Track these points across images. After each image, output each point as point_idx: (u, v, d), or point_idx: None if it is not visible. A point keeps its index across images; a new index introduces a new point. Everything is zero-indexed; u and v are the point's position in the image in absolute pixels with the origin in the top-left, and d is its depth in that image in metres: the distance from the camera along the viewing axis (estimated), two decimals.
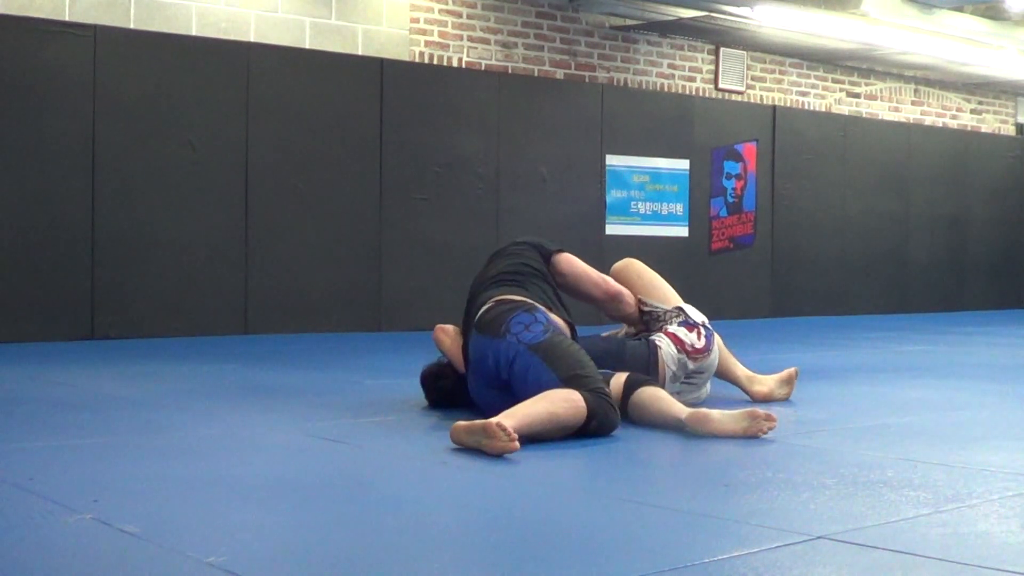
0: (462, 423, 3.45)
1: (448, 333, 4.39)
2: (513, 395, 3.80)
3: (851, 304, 12.01)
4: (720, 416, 3.77)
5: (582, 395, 3.66)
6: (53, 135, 7.58)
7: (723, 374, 4.76)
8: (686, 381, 4.49)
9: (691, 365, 4.47)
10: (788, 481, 3.08)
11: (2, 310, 7.41)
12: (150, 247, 7.92)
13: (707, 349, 4.51)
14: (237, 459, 3.40)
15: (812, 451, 3.63)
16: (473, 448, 3.38)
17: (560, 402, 3.62)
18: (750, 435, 3.71)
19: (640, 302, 4.61)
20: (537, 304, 4.07)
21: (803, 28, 10.26)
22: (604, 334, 4.72)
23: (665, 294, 4.65)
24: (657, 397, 3.97)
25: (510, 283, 4.20)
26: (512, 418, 3.46)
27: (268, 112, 8.39)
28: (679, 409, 3.88)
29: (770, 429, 3.74)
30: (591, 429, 3.66)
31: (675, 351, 4.42)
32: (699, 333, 4.51)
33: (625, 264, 4.74)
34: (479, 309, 4.09)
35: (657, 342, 4.43)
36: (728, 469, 3.34)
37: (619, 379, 4.05)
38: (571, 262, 4.49)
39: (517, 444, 3.31)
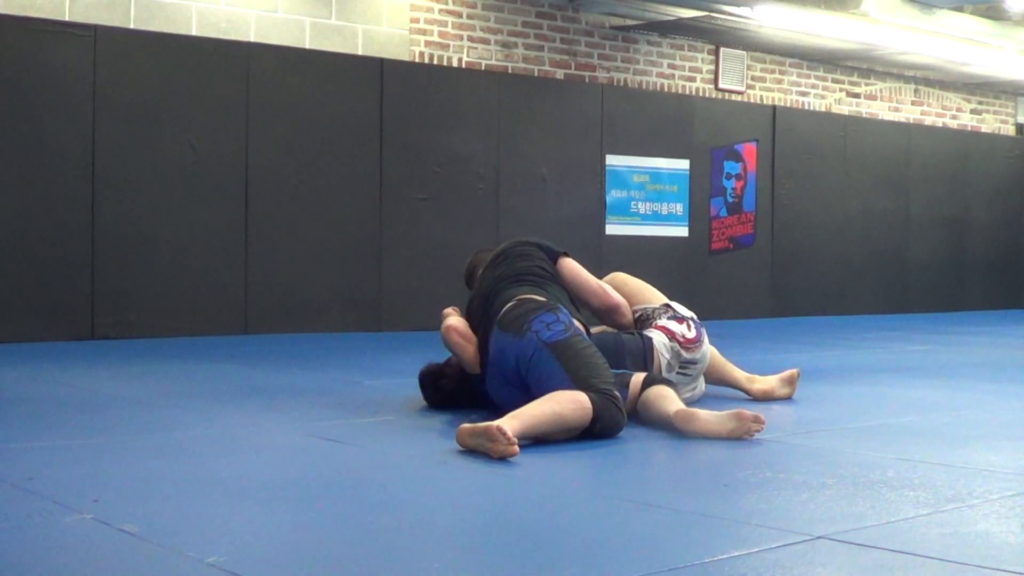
0: (467, 425, 3.45)
1: (464, 336, 4.26)
2: (530, 393, 3.80)
3: (851, 304, 12.01)
4: (707, 416, 3.77)
5: (589, 397, 3.66)
6: (53, 135, 7.58)
7: (723, 379, 4.85)
8: (681, 371, 4.56)
9: (684, 354, 4.55)
10: (788, 481, 3.08)
11: (2, 310, 7.41)
12: (150, 247, 7.92)
13: (698, 339, 4.60)
14: (237, 459, 3.40)
15: (812, 451, 3.63)
16: (476, 450, 3.38)
17: (566, 403, 3.63)
18: (736, 437, 3.69)
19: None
20: (560, 305, 4.09)
21: (803, 28, 10.26)
22: (595, 330, 4.78)
23: (651, 296, 4.78)
24: (660, 396, 3.98)
25: (531, 284, 4.24)
26: (518, 419, 3.48)
27: (268, 112, 8.38)
28: (672, 407, 3.88)
29: (757, 431, 3.72)
30: (596, 431, 3.67)
31: (667, 340, 4.52)
32: (688, 325, 4.62)
33: (610, 278, 4.81)
34: (502, 306, 4.10)
35: (649, 334, 4.54)
36: (728, 469, 3.33)
37: (638, 378, 4.09)
38: (573, 268, 4.53)
39: (517, 448, 3.32)
